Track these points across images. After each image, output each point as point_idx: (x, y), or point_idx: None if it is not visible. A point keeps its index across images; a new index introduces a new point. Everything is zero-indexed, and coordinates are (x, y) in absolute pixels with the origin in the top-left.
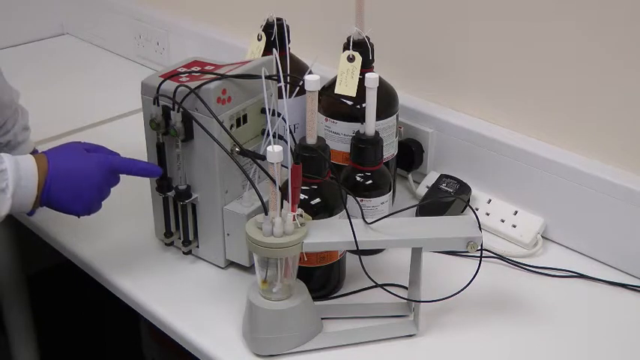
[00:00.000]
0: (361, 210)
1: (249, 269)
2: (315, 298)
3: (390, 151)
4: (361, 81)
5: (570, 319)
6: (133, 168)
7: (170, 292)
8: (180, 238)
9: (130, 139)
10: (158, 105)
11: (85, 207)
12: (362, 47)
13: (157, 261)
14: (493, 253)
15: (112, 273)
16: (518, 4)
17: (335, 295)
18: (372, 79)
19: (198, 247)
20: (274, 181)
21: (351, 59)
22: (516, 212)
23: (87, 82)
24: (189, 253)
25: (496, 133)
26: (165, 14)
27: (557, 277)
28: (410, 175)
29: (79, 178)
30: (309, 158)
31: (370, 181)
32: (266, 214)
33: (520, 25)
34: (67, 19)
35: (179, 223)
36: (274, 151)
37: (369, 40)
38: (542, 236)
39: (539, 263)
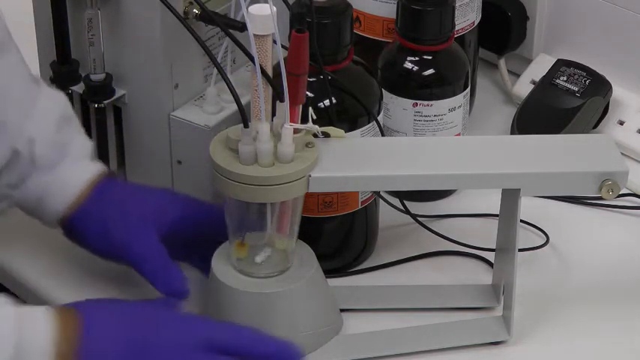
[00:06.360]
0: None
1: None
2: (327, 274)
3: (467, 16)
4: None
5: None
6: (255, 349)
7: (73, 265)
8: None
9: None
10: None
11: None
12: None
13: None
14: None
15: None
16: None
17: (360, 268)
18: None
19: None
20: (260, 67)
21: None
22: None
23: None
24: None
25: None
26: None
27: None
28: (502, 61)
29: None
30: (320, 26)
31: (431, 71)
32: (246, 125)
33: None
34: None
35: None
36: (261, 14)
37: None
38: None
39: None
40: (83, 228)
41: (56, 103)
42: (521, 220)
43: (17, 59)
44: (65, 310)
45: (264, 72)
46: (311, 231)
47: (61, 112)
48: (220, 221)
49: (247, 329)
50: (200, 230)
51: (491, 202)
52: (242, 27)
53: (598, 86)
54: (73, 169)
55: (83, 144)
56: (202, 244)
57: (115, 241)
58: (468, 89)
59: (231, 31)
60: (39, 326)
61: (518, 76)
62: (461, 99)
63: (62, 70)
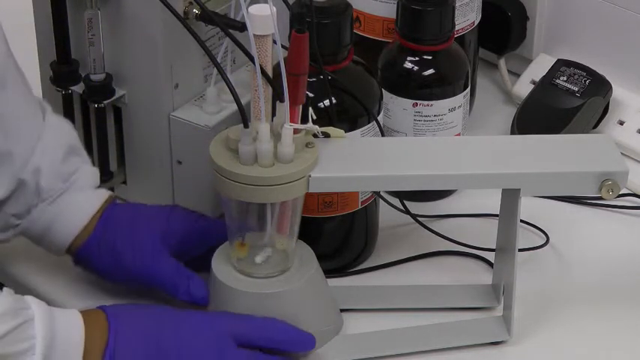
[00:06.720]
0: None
1: None
2: (327, 274)
3: (467, 16)
4: None
5: None
6: (278, 337)
7: (69, 267)
8: None
9: None
10: None
11: None
12: None
13: None
14: None
15: None
16: None
17: (360, 268)
18: None
19: (125, 183)
20: (260, 67)
21: None
22: None
23: None
24: None
25: None
26: None
27: None
28: (502, 61)
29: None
30: (320, 26)
31: (431, 71)
32: (246, 125)
33: None
34: None
35: (91, 141)
36: (261, 14)
37: None
38: None
39: None
40: (92, 258)
41: (63, 133)
42: (521, 220)
43: (22, 87)
44: (92, 313)
45: (264, 72)
46: (311, 231)
47: (67, 143)
48: (223, 232)
49: (266, 320)
50: (204, 242)
51: (492, 202)
52: (242, 27)
53: (598, 86)
54: (78, 200)
55: (89, 174)
56: (206, 255)
57: (128, 267)
58: (468, 89)
59: (231, 31)
60: (70, 326)
61: (518, 76)
62: (461, 99)
63: (62, 70)
